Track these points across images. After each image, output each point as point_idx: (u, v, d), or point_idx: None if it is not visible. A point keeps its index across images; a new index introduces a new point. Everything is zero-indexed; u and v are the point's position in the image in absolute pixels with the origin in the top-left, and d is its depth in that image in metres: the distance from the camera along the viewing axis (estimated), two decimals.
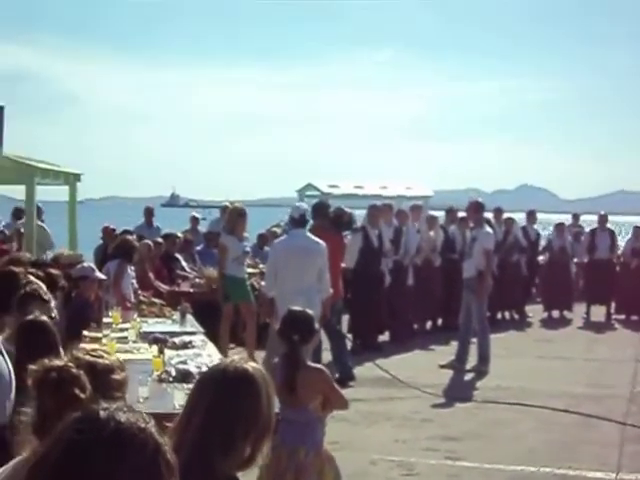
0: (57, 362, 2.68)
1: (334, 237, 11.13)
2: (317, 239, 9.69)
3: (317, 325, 5.50)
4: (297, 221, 9.70)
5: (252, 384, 2.89)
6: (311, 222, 10.39)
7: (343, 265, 12.29)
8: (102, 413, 1.73)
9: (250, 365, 2.95)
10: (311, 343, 5.33)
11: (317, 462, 5.02)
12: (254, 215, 12.28)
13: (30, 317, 4.62)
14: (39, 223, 15.43)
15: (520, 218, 19.07)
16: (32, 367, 2.69)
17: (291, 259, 9.41)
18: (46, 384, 2.62)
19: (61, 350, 4.46)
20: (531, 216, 18.25)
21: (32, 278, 5.64)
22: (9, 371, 3.74)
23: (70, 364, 2.69)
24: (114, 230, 14.28)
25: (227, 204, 14.61)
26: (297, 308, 5.52)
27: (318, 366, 5.47)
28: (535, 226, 18.39)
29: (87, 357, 2.79)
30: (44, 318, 4.64)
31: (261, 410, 2.87)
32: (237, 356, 3.09)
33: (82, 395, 2.61)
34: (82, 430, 1.71)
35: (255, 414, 2.85)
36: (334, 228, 11.33)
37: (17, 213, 15.04)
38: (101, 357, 2.83)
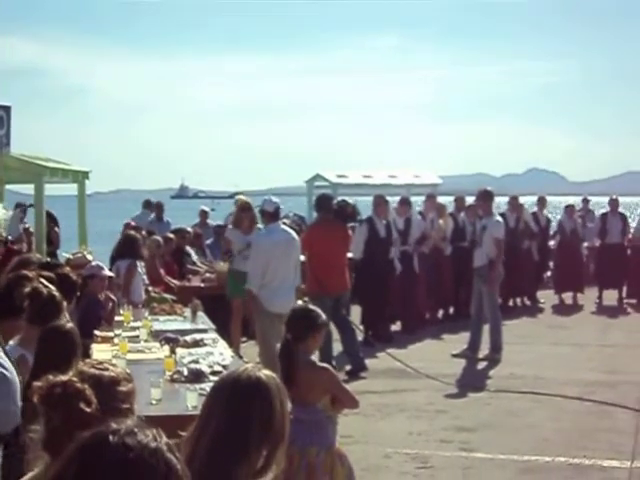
0: (61, 377, 2.66)
1: (339, 229, 11.18)
2: (290, 230, 9.82)
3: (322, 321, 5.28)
4: (272, 215, 9.65)
5: (265, 392, 2.87)
6: (315, 215, 10.33)
7: (350, 255, 12.30)
8: (111, 438, 1.71)
9: (263, 373, 2.94)
10: (312, 340, 5.18)
11: (328, 461, 4.98)
12: None
13: (54, 324, 4.56)
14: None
15: (529, 202, 18.91)
16: (36, 384, 2.68)
17: (277, 253, 9.32)
18: (51, 400, 2.61)
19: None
20: (541, 202, 18.16)
21: (43, 281, 5.59)
22: (15, 378, 3.73)
23: (74, 378, 2.67)
24: (136, 228, 13.14)
25: (240, 197, 14.54)
26: (298, 306, 5.45)
27: (323, 365, 5.40)
28: (545, 211, 18.29)
29: (92, 370, 2.77)
30: (69, 325, 4.57)
31: (275, 418, 2.86)
32: (250, 364, 3.07)
33: (88, 409, 2.59)
34: (91, 456, 1.69)
35: (269, 422, 2.84)
36: (338, 220, 11.32)
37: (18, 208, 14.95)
38: (106, 370, 2.81)
